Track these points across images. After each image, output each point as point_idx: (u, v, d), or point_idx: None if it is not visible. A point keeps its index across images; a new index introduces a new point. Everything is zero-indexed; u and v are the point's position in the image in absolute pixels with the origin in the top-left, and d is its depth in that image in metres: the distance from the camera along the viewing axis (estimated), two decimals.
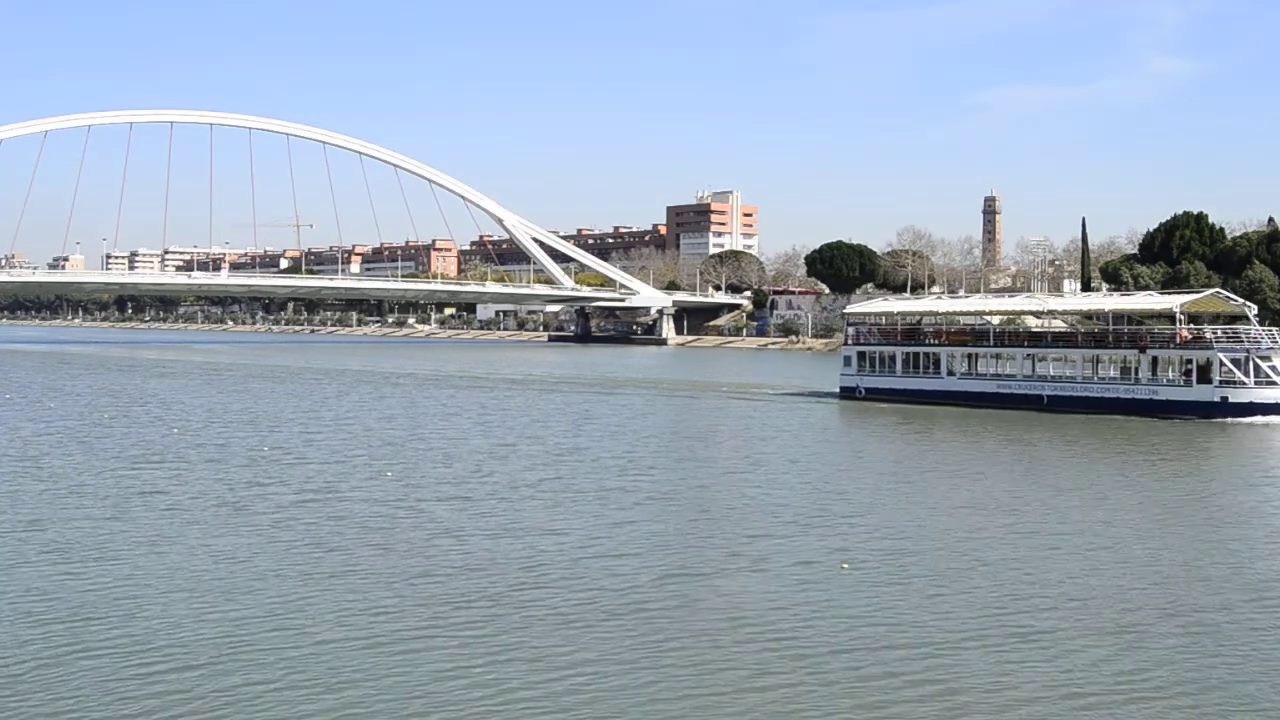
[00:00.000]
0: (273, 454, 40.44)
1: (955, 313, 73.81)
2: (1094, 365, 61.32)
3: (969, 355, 65.48)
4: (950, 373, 64.88)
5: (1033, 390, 61.48)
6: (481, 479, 34.94)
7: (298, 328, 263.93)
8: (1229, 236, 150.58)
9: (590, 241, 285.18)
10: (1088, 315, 68.33)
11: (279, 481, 33.90)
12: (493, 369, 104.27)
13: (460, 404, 65.07)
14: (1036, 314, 68.42)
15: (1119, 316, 63.64)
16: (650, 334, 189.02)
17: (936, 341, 67.33)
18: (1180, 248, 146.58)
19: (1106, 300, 72.53)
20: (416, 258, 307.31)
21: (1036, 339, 66.61)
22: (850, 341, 70.68)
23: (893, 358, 67.09)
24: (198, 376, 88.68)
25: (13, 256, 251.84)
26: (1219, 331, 58.92)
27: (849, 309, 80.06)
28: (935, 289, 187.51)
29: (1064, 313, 72.14)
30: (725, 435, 51.98)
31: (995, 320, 75.29)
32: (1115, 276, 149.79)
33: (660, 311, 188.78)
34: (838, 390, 69.43)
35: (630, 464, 38.92)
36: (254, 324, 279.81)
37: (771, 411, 61.60)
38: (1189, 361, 57.39)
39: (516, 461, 39.18)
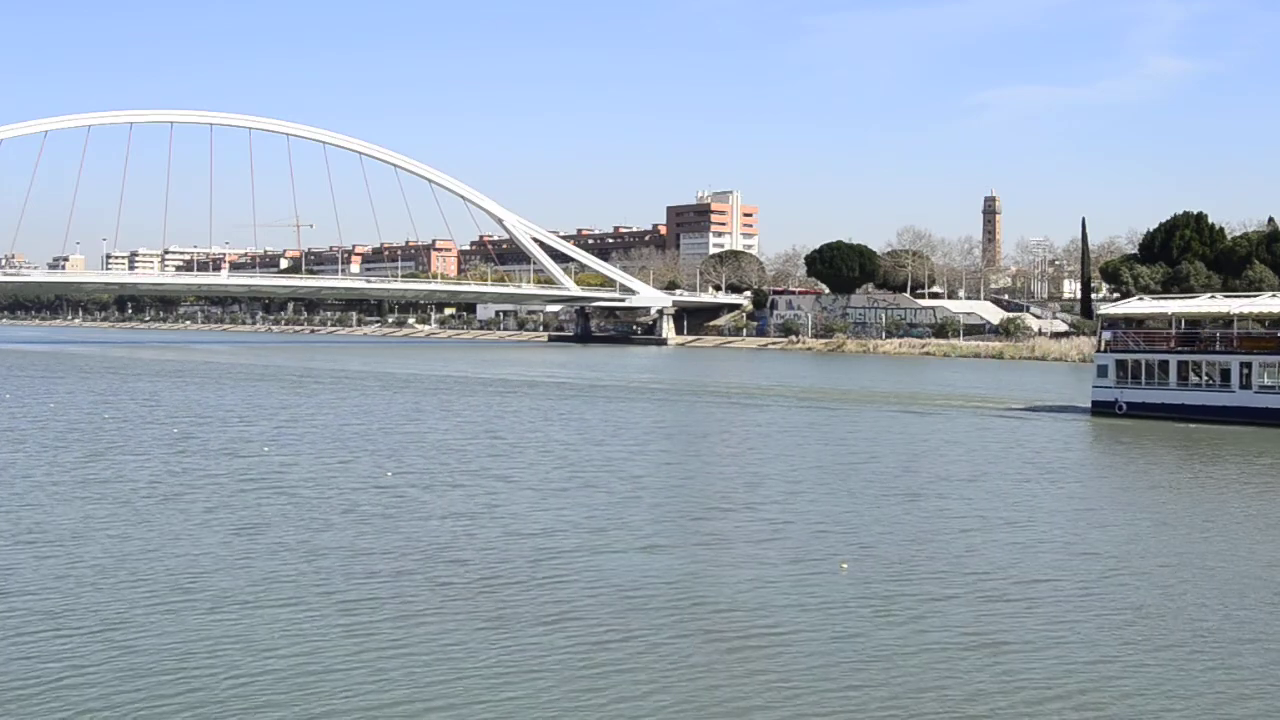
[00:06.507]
0: (270, 451, 40.51)
1: (1252, 315, 62.74)
2: None
3: (1272, 364, 55.78)
4: (1245, 385, 55.32)
5: None
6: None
7: (298, 328, 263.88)
8: (1229, 236, 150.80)
9: (590, 241, 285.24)
10: None
11: (270, 475, 33.96)
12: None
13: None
14: None
15: None
16: (650, 334, 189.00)
17: (1225, 348, 57.52)
18: (1180, 248, 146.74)
19: None
20: (416, 258, 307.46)
21: None
22: (1106, 347, 60.63)
23: (1164, 367, 57.90)
24: (196, 377, 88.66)
25: (13, 256, 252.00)
26: None
27: (1105, 309, 67.85)
28: (935, 288, 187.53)
29: None
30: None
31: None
32: (1115, 276, 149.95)
33: (660, 311, 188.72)
34: (1088, 405, 60.39)
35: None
36: (254, 324, 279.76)
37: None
38: None
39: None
